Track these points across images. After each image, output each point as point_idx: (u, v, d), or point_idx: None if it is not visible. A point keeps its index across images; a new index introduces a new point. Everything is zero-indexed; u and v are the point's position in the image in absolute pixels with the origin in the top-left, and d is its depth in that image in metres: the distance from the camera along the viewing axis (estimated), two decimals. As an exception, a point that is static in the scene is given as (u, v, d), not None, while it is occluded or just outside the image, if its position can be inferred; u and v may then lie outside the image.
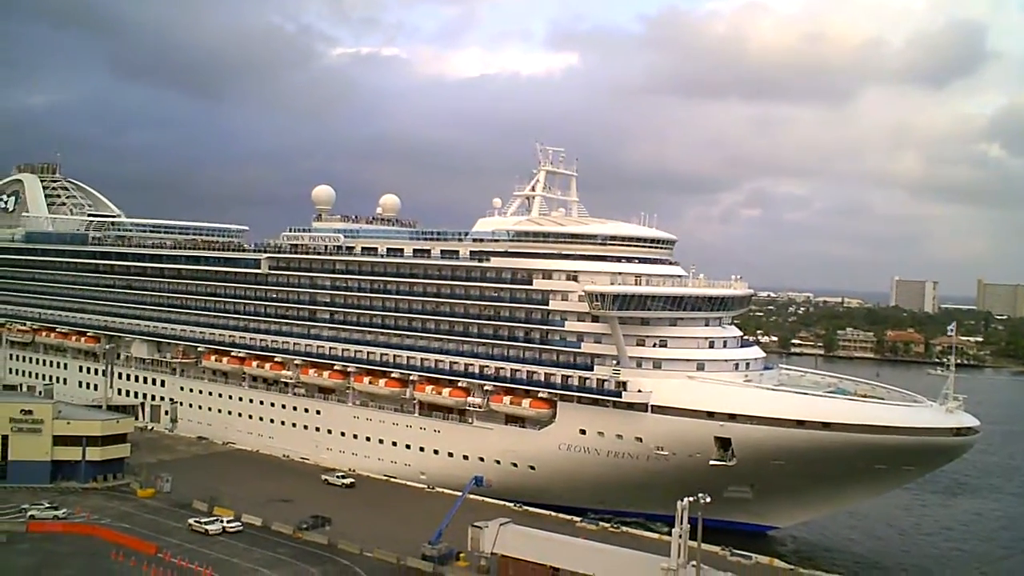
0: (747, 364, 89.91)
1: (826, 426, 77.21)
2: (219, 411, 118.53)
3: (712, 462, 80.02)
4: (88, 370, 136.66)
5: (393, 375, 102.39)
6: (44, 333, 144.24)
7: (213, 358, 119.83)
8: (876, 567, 79.14)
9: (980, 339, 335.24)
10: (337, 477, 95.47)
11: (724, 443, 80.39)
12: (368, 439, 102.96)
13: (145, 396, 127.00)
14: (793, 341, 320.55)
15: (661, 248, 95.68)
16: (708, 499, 56.73)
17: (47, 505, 79.27)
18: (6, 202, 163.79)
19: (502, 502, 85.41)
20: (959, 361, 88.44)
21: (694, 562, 56.70)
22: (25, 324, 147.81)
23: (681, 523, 57.11)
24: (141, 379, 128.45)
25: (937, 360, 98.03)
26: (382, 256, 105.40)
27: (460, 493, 78.45)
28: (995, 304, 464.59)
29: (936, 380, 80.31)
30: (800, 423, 77.83)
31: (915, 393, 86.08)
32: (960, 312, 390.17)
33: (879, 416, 78.44)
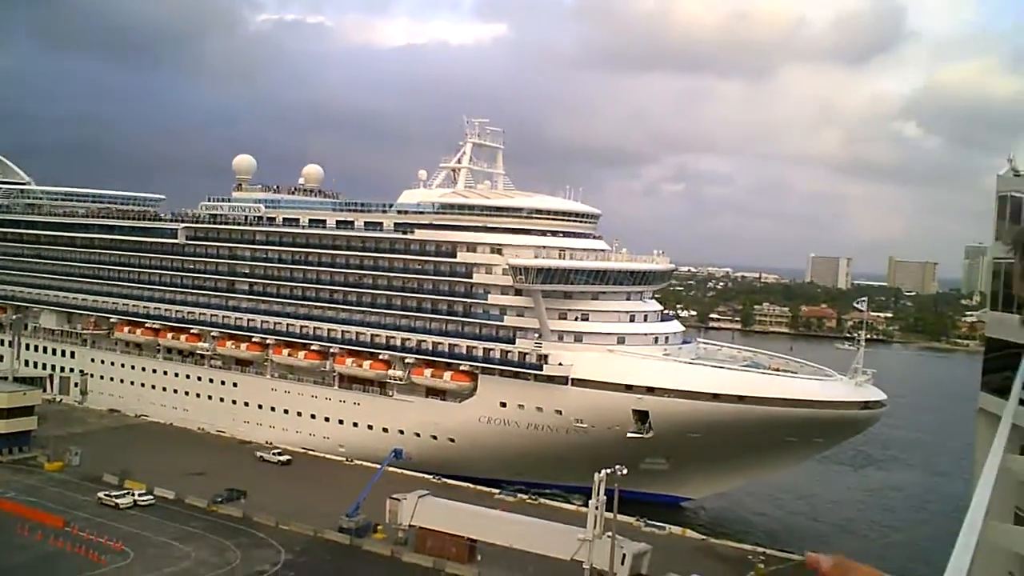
0: (666, 338, 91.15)
1: (740, 399, 78.85)
2: (132, 383, 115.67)
3: (629, 434, 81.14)
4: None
5: (313, 347, 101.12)
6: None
7: (126, 329, 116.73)
8: (784, 536, 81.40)
9: (890, 315, 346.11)
10: (273, 454, 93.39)
11: (642, 416, 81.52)
12: (286, 412, 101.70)
13: (54, 368, 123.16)
14: (711, 315, 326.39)
15: (585, 222, 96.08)
16: (625, 471, 57.47)
17: (-52, 479, 76.55)
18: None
19: (421, 474, 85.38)
20: (869, 336, 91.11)
21: (609, 533, 57.48)
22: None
23: (598, 494, 57.79)
24: (50, 350, 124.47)
25: (848, 335, 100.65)
26: (304, 227, 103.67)
27: (379, 466, 78.13)
28: (905, 280, 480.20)
29: (846, 354, 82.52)
30: (715, 396, 79.34)
31: (826, 367, 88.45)
32: (871, 288, 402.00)
33: (791, 389, 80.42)
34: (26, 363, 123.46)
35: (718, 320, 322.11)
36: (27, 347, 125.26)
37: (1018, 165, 36.88)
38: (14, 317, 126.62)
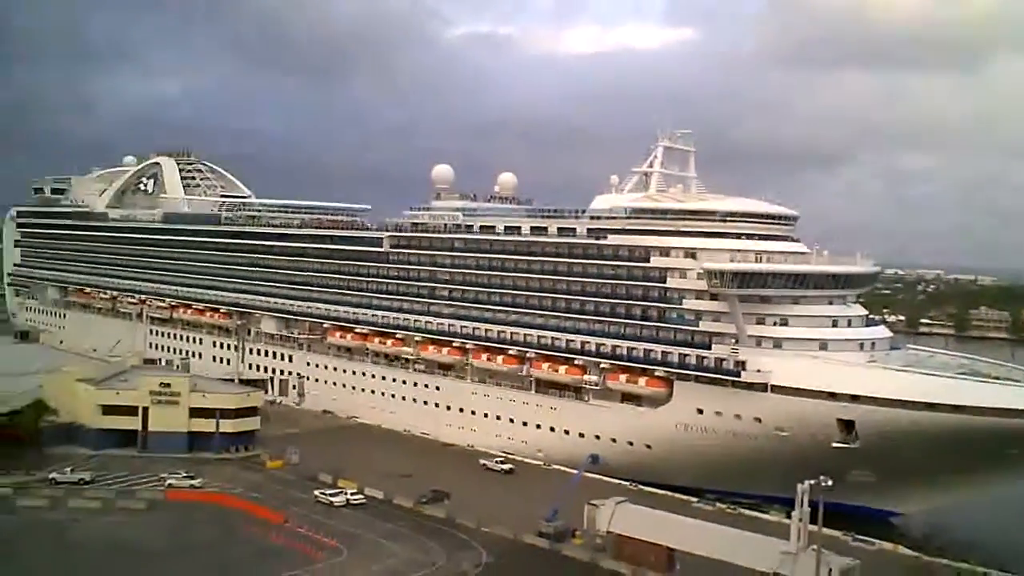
0: (872, 344, 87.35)
1: (957, 408, 74.29)
2: (343, 386, 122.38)
3: (835, 444, 78.19)
4: (221, 345, 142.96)
5: (510, 352, 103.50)
6: (181, 309, 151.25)
7: (338, 334, 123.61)
8: (1007, 557, 75.80)
9: None
10: (496, 463, 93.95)
11: (847, 425, 78.42)
12: (486, 415, 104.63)
13: (274, 371, 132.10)
14: (922, 320, 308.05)
15: (782, 224, 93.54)
16: (830, 482, 55.57)
17: (184, 475, 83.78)
18: (146, 185, 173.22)
19: (618, 481, 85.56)
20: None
21: (814, 546, 55.70)
22: (164, 301, 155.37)
23: (801, 506, 56.17)
24: (270, 354, 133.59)
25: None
26: (500, 234, 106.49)
27: (576, 471, 79.04)
28: None
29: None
30: (929, 405, 75.11)
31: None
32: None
33: (1013, 399, 75.01)
34: (249, 366, 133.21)
35: (929, 325, 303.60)
36: (250, 351, 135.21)
37: None
38: (239, 323, 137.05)
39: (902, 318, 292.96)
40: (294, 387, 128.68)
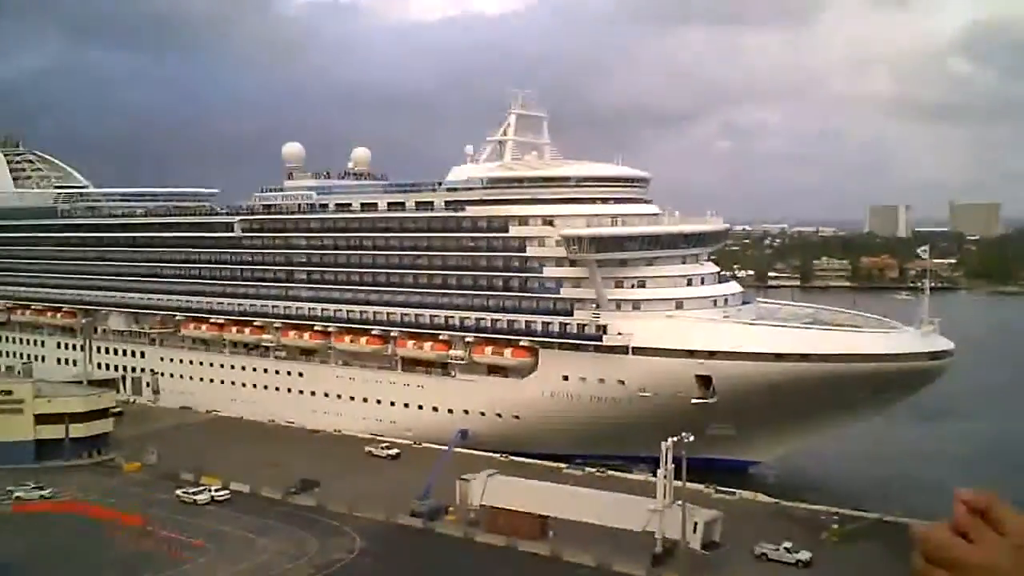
0: (725, 300, 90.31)
1: (804, 357, 77.92)
2: (201, 379, 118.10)
3: (694, 400, 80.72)
4: (66, 346, 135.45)
5: (374, 332, 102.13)
6: (19, 311, 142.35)
7: (192, 326, 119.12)
8: (857, 496, 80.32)
9: (954, 261, 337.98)
10: (382, 448, 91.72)
11: (705, 381, 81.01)
12: (352, 398, 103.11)
13: (125, 369, 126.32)
14: (770, 274, 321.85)
15: (635, 187, 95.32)
16: (691, 438, 57.28)
17: (32, 486, 79.07)
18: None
19: (489, 454, 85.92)
20: (933, 284, 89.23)
21: (680, 501, 57.42)
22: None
23: (666, 463, 57.74)
24: (120, 352, 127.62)
25: (912, 284, 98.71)
26: (356, 212, 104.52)
27: (446, 448, 78.89)
28: (968, 225, 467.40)
29: (911, 305, 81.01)
30: (778, 356, 78.48)
31: (891, 319, 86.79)
32: (933, 235, 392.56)
33: (855, 344, 79.34)
34: (99, 365, 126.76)
35: (777, 278, 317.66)
36: (98, 350, 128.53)
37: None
38: (84, 321, 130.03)
39: (751, 273, 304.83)
40: (148, 384, 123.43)
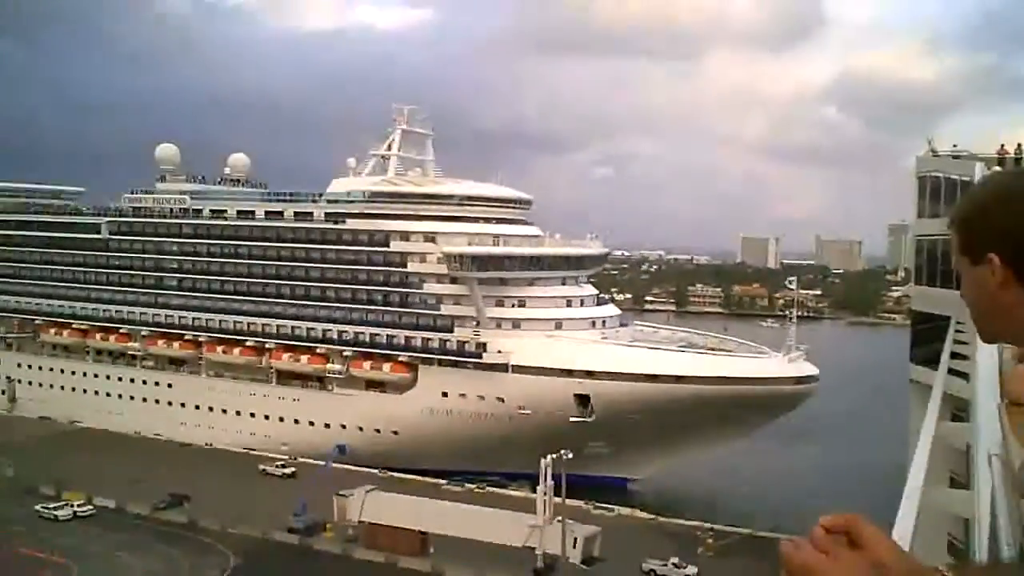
0: (603, 321, 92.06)
1: (678, 379, 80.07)
2: (62, 388, 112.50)
3: (572, 419, 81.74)
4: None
5: (248, 343, 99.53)
6: None
7: (52, 331, 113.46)
8: (730, 512, 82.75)
9: (819, 292, 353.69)
10: (277, 466, 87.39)
11: (583, 400, 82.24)
12: (224, 411, 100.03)
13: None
14: (647, 298, 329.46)
15: (518, 208, 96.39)
16: (570, 455, 57.96)
17: None
18: None
19: (367, 469, 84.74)
20: (800, 313, 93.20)
21: (559, 518, 57.95)
22: None
23: (545, 480, 58.23)
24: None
25: (780, 312, 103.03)
26: (232, 219, 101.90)
27: (323, 463, 77.47)
28: (832, 259, 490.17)
29: (780, 332, 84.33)
30: (653, 377, 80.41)
31: (760, 345, 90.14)
32: (800, 267, 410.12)
33: (726, 368, 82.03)
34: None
35: (653, 302, 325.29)
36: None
37: (936, 147, 38.22)
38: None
39: (629, 296, 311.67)
40: (3, 392, 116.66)
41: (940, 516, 12.20)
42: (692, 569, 62.17)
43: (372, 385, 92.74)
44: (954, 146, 37.71)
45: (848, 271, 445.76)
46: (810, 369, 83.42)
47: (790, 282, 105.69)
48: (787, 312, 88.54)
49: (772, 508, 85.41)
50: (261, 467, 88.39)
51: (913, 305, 40.74)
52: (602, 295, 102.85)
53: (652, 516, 75.75)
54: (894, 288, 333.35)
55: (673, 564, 62.34)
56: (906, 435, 28.85)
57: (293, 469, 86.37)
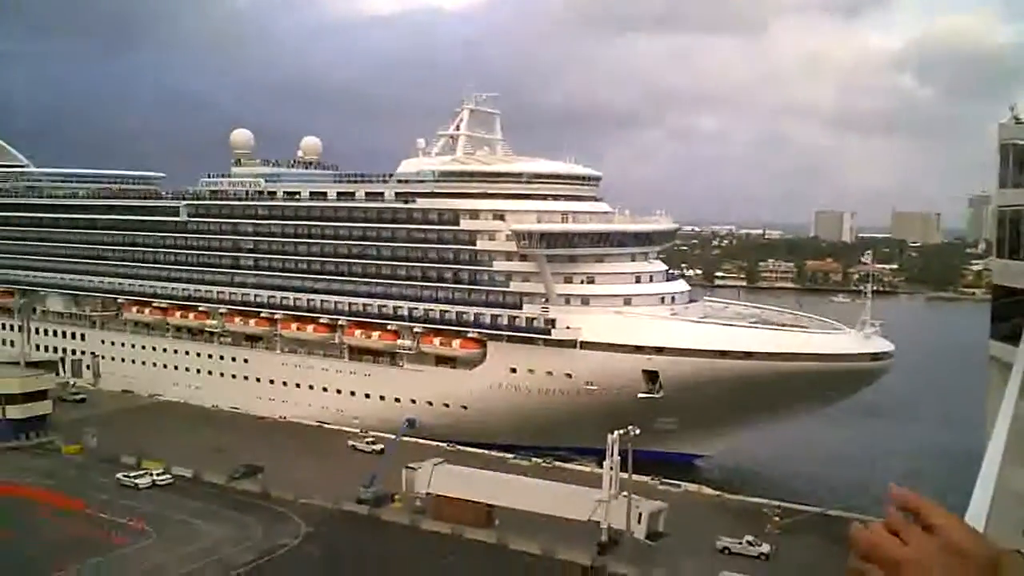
0: (673, 298, 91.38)
1: (748, 355, 79.18)
2: (143, 363, 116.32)
3: (640, 395, 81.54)
4: (3, 326, 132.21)
5: (321, 320, 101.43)
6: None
7: (135, 309, 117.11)
8: (799, 490, 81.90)
9: (895, 266, 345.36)
10: (366, 443, 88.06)
11: (652, 376, 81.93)
12: (298, 386, 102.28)
13: (65, 351, 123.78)
14: (717, 274, 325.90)
15: (586, 185, 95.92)
16: (637, 431, 57.89)
17: (-33, 467, 77.17)
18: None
19: (436, 443, 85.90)
20: (875, 288, 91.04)
21: (625, 493, 58.02)
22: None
23: (612, 456, 58.31)
24: (60, 333, 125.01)
25: (855, 288, 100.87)
26: (305, 200, 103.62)
27: (394, 436, 78.66)
28: (909, 232, 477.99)
29: (855, 308, 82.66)
30: (723, 353, 79.65)
31: (834, 321, 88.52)
32: (876, 240, 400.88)
33: (799, 344, 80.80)
34: (37, 347, 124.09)
35: (724, 278, 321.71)
36: (36, 332, 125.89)
37: (1020, 113, 36.87)
38: (22, 302, 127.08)
39: (699, 272, 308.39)
40: (88, 367, 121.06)
41: (1017, 498, 11.96)
42: (766, 547, 61.73)
43: (442, 361, 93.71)
44: (1037, 114, 36.30)
45: (926, 244, 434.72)
46: (885, 345, 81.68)
47: (865, 256, 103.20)
48: (862, 287, 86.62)
49: (843, 487, 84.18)
50: (350, 443, 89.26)
51: (994, 279, 39.50)
52: (672, 271, 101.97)
53: (718, 493, 75.33)
54: (974, 261, 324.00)
55: (748, 542, 61.95)
56: (984, 414, 28.19)
57: (382, 446, 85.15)
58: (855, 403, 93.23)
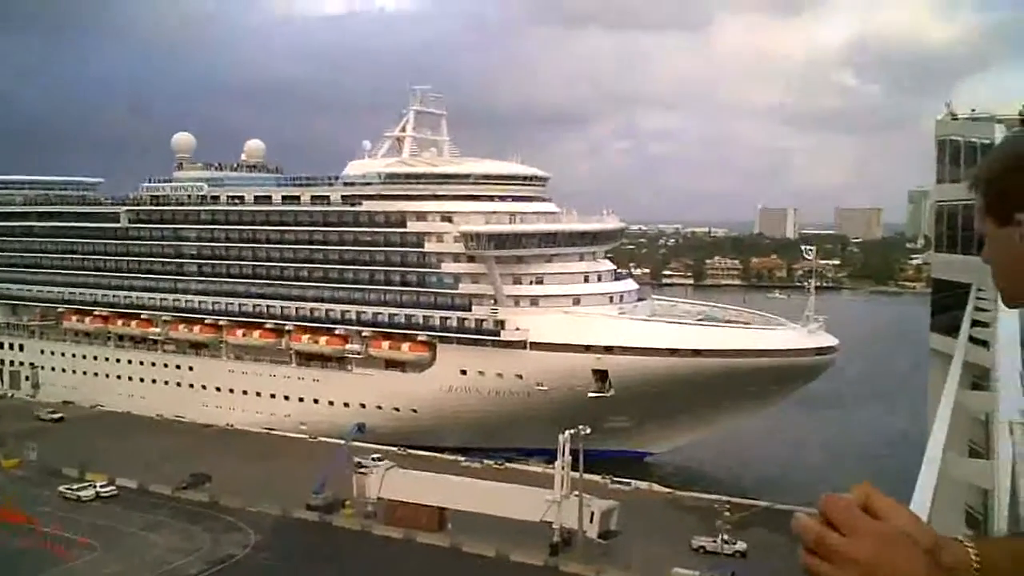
0: (621, 297, 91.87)
1: (696, 353, 79.89)
2: (84, 373, 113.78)
3: (591, 394, 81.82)
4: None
5: (268, 326, 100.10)
6: None
7: (75, 318, 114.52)
8: (749, 485, 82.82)
9: (838, 262, 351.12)
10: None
11: (602, 375, 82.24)
12: (245, 392, 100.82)
13: (2, 362, 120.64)
14: (664, 272, 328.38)
15: (534, 185, 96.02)
16: (588, 431, 58.07)
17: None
18: None
19: (386, 447, 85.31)
20: (819, 284, 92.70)
21: (577, 492, 58.14)
22: None
23: (563, 455, 58.40)
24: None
25: (799, 284, 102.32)
26: (250, 204, 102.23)
27: (342, 442, 77.95)
28: (852, 228, 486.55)
29: (799, 303, 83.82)
30: (673, 351, 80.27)
31: (779, 316, 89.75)
32: (819, 236, 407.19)
33: (745, 340, 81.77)
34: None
35: (671, 276, 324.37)
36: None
37: (956, 110, 37.68)
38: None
39: (647, 271, 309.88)
40: (27, 378, 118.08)
41: (959, 486, 12.10)
42: (742, 545, 61.90)
43: (391, 365, 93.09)
44: (973, 109, 37.10)
45: (867, 240, 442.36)
46: (829, 340, 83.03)
47: (807, 251, 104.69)
48: (805, 283, 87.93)
49: (792, 481, 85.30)
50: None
51: (933, 273, 40.37)
52: (620, 270, 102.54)
53: (670, 490, 75.85)
54: (914, 256, 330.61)
55: (723, 540, 61.92)
56: (926, 405, 28.68)
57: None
58: (802, 398, 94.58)
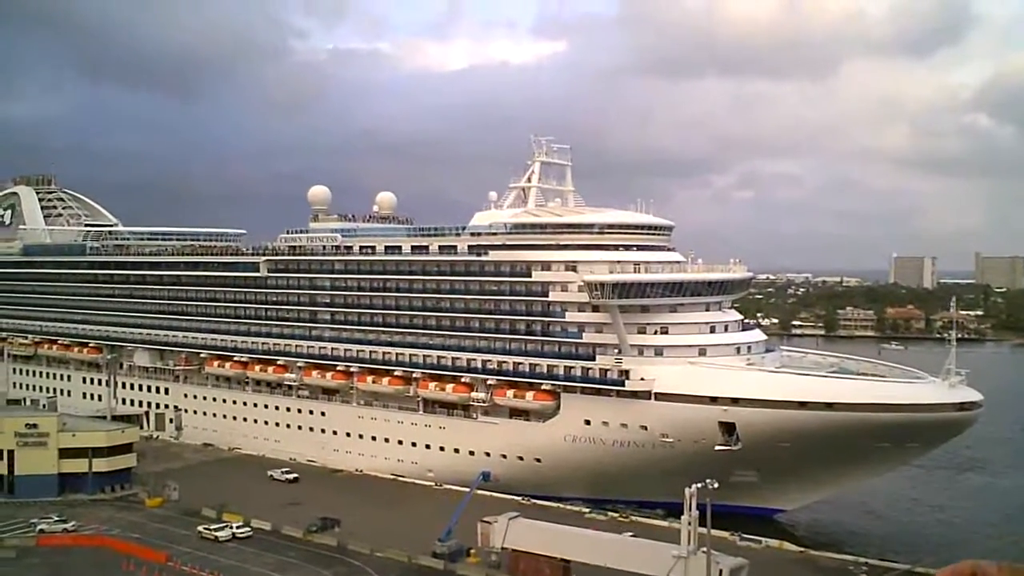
0: (748, 347, 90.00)
1: (829, 406, 77.30)
2: (224, 416, 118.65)
3: (717, 447, 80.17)
4: (91, 381, 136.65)
5: (396, 373, 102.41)
6: (46, 346, 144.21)
7: (216, 364, 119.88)
8: (887, 545, 79.17)
9: (980, 313, 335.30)
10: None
11: (728, 428, 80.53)
12: (374, 438, 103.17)
13: (149, 405, 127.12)
14: (794, 323, 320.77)
15: (659, 235, 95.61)
16: (715, 485, 56.80)
17: (56, 519, 79.15)
18: (2, 216, 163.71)
19: (510, 496, 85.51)
20: (960, 336, 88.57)
21: (704, 548, 56.79)
22: (27, 337, 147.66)
23: (690, 510, 57.22)
24: (144, 388, 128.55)
25: (938, 335, 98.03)
26: (380, 254, 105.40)
27: (468, 489, 78.57)
28: (993, 277, 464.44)
29: (938, 356, 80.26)
30: (803, 404, 77.91)
31: (917, 369, 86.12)
32: (959, 287, 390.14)
33: (881, 394, 78.65)
34: (122, 401, 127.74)
35: (801, 327, 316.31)
36: (122, 386, 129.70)
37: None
38: (109, 357, 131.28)
39: (775, 321, 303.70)
40: (171, 420, 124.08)
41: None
42: None
43: (515, 413, 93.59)
44: None
45: (1012, 289, 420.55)
46: (973, 395, 78.98)
47: (949, 303, 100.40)
48: (945, 335, 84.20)
49: (932, 542, 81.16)
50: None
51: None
52: (747, 320, 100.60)
53: (802, 549, 73.11)
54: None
55: None
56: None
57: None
58: (944, 455, 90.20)
